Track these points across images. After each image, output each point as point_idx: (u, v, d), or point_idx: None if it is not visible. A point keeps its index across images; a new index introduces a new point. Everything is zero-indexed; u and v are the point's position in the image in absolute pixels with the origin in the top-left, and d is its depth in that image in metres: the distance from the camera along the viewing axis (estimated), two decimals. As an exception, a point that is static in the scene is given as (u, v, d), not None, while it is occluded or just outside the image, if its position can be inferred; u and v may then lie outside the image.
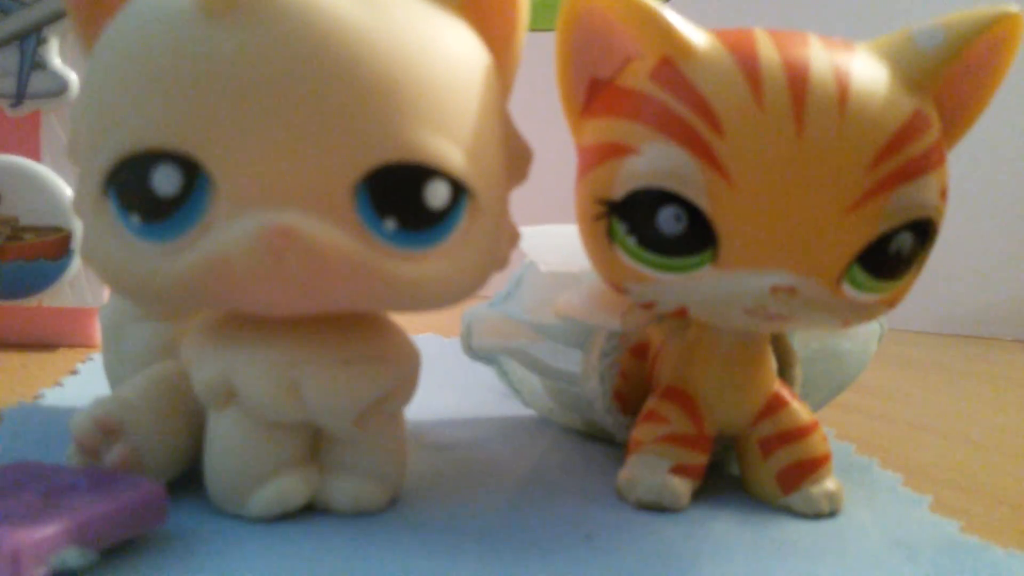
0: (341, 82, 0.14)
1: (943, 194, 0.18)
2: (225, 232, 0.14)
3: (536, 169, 0.19)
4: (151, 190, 0.14)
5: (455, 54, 0.16)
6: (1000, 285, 0.65)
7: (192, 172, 0.14)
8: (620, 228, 0.18)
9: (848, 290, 0.18)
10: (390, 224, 0.15)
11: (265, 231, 0.14)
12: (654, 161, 0.17)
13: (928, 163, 0.17)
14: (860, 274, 0.17)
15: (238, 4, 0.14)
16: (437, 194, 0.15)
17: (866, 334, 0.26)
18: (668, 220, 0.17)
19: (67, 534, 0.14)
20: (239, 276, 0.15)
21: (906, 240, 0.17)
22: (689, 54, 0.17)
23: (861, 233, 0.17)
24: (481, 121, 0.16)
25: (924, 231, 0.18)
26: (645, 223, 0.18)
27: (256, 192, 0.14)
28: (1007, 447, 0.31)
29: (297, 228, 0.14)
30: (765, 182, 0.16)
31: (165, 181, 0.14)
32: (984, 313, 0.66)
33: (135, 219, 0.15)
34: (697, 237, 0.17)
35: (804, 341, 0.24)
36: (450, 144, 0.15)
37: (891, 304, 0.19)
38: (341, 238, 0.15)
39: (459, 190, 0.16)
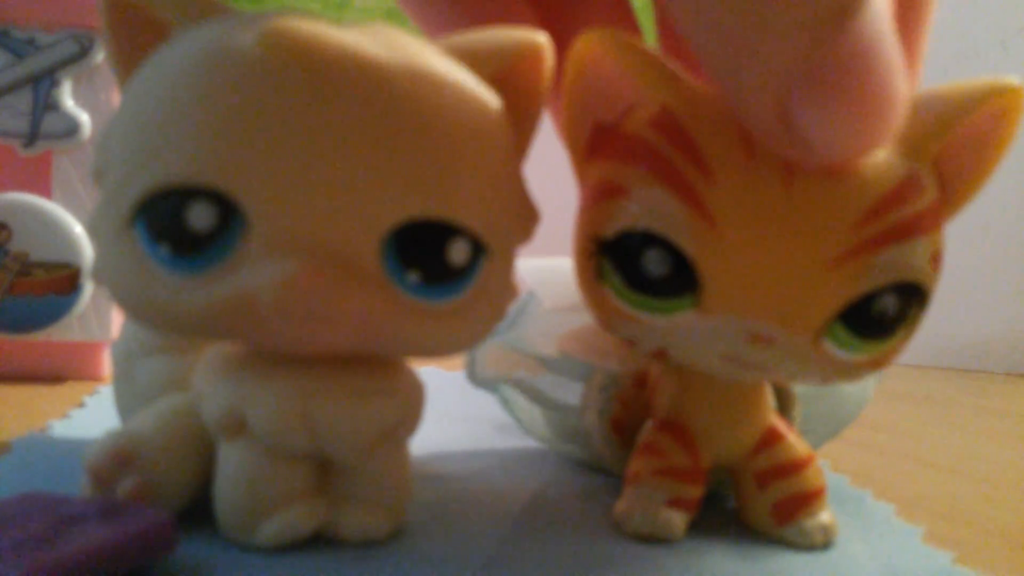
0: (381, 139, 0.15)
1: (935, 260, 0.18)
2: (255, 272, 0.15)
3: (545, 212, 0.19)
4: (185, 224, 0.15)
5: (486, 121, 0.17)
6: (992, 319, 0.66)
7: (227, 210, 0.15)
8: (609, 267, 0.19)
9: (829, 347, 0.18)
10: (413, 277, 0.16)
11: (295, 276, 0.15)
12: (643, 203, 0.18)
13: (918, 227, 0.17)
14: (842, 332, 0.17)
15: (295, 53, 0.15)
16: (459, 252, 0.16)
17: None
18: (653, 261, 0.18)
19: (75, 564, 0.14)
20: (264, 316, 0.15)
21: (890, 302, 0.17)
22: (687, 103, 0.18)
23: (844, 290, 0.17)
24: (503, 185, 0.17)
25: (911, 294, 0.18)
26: (631, 263, 0.18)
27: (289, 237, 0.15)
28: (999, 478, 0.32)
29: (326, 275, 0.15)
30: (750, 231, 0.17)
31: (200, 217, 0.15)
32: (976, 346, 0.66)
33: (164, 250, 0.15)
34: (680, 280, 0.18)
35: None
36: (476, 205, 0.16)
37: (876, 366, 0.19)
38: (367, 287, 0.15)
39: (478, 249, 0.16)
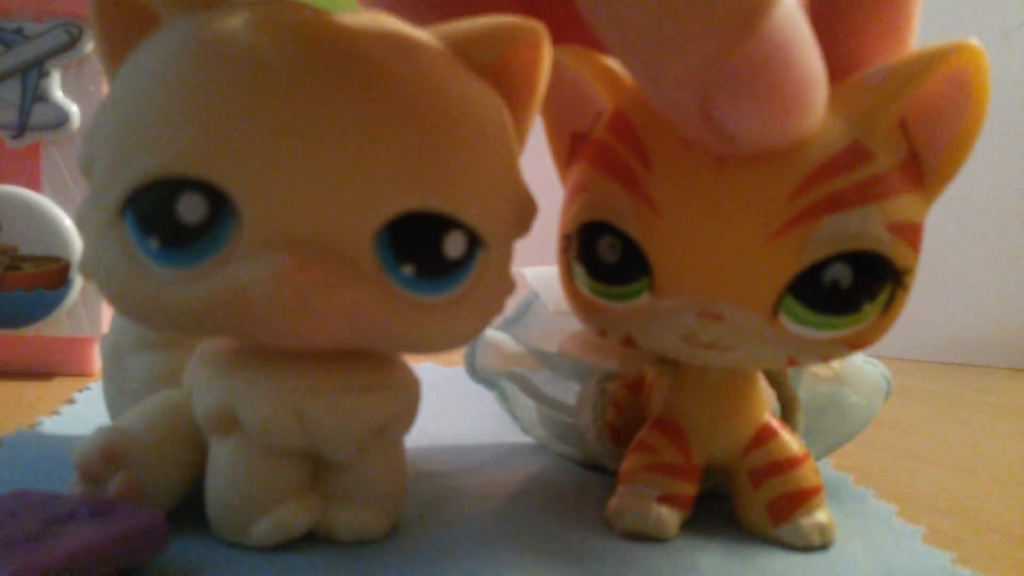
0: (376, 130, 0.15)
1: (899, 229, 0.17)
2: (247, 265, 0.14)
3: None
4: (176, 216, 0.14)
5: (484, 113, 0.16)
6: (993, 313, 0.66)
7: (219, 203, 0.14)
8: (574, 260, 0.20)
9: (787, 323, 0.18)
10: (408, 270, 0.15)
11: (287, 270, 0.14)
12: (596, 196, 0.19)
13: (865, 196, 0.17)
14: (797, 307, 0.17)
15: (287, 43, 0.14)
16: (455, 245, 0.16)
17: (872, 390, 0.26)
18: (605, 249, 0.19)
19: (65, 562, 0.14)
20: (256, 310, 0.15)
21: (842, 272, 0.17)
22: (636, 104, 0.19)
23: (786, 262, 0.17)
24: (500, 177, 0.17)
25: (869, 265, 0.17)
26: (590, 253, 0.19)
27: (281, 230, 0.14)
28: (1001, 475, 0.32)
29: (319, 269, 0.14)
30: (688, 214, 0.17)
31: (191, 209, 0.14)
32: (978, 341, 0.66)
33: (153, 243, 0.15)
34: (633, 265, 0.18)
35: (811, 390, 0.24)
36: (473, 198, 0.16)
37: (851, 345, 0.18)
38: (361, 281, 0.15)
39: (475, 242, 0.16)
